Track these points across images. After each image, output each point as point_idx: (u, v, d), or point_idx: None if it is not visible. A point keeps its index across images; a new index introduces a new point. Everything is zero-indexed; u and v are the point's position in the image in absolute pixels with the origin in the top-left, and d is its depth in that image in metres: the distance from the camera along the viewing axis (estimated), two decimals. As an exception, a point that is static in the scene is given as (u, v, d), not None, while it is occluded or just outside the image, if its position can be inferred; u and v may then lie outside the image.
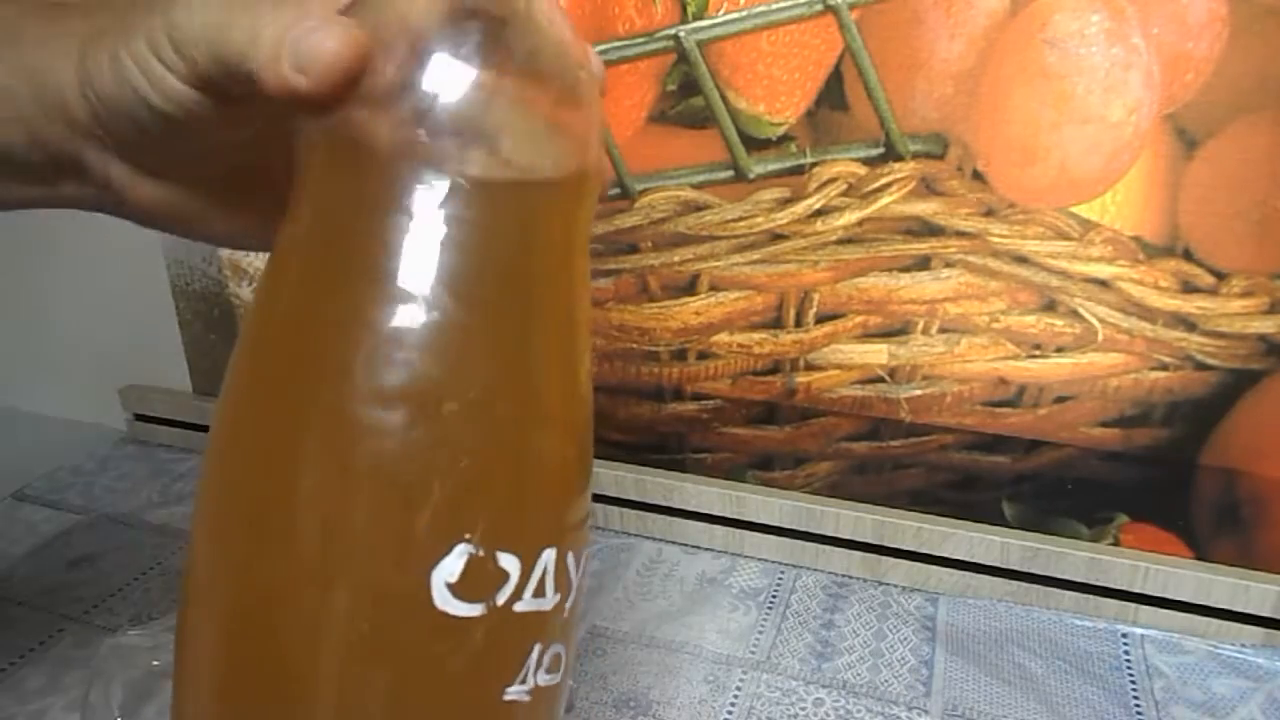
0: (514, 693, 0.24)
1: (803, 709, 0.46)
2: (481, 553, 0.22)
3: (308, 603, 0.22)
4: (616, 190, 0.53)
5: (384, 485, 0.22)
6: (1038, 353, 0.49)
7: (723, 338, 0.55)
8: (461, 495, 0.22)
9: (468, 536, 0.22)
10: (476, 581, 0.22)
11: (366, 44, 0.22)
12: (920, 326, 0.51)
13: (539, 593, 0.23)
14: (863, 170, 0.48)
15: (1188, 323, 0.46)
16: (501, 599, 0.23)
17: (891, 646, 0.50)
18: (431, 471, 0.22)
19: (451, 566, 0.22)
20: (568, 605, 0.25)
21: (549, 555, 0.24)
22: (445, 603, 0.22)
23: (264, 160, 0.28)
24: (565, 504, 0.25)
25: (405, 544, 0.22)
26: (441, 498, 0.22)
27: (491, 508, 0.23)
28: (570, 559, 0.24)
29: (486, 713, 0.24)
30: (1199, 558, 0.50)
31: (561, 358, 0.25)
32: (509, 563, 0.23)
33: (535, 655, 0.24)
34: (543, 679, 0.24)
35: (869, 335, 0.52)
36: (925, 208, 0.48)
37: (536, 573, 0.23)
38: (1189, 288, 0.46)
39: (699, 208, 0.52)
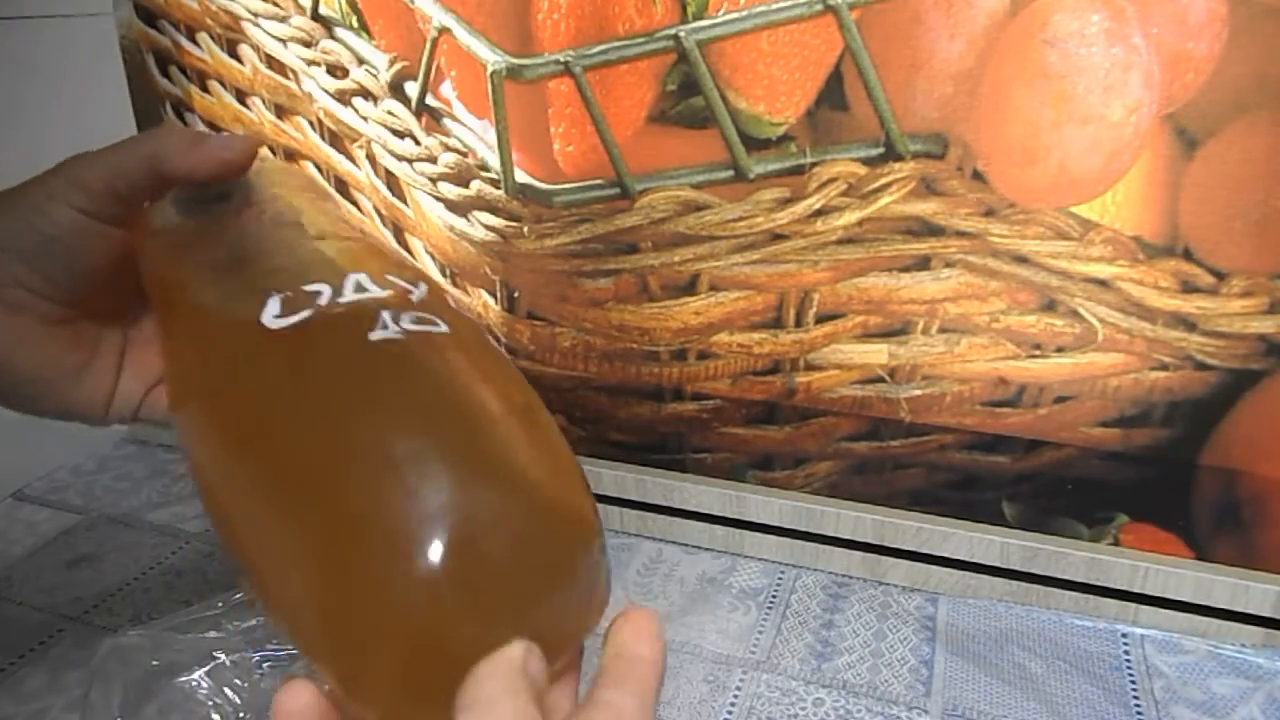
0: (378, 335, 0.27)
1: (803, 709, 0.46)
2: None
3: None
4: (616, 190, 0.53)
5: None
6: (1038, 353, 0.49)
7: (723, 338, 0.55)
8: None
9: None
10: None
11: (252, 142, 0.33)
12: (920, 326, 0.51)
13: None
14: (863, 170, 0.48)
15: (1188, 323, 0.46)
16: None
17: (891, 646, 0.50)
18: None
19: None
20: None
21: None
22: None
23: (98, 297, 0.34)
24: None
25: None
26: None
27: None
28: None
29: (361, 358, 0.27)
30: (1199, 558, 0.50)
31: None
32: None
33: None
34: (409, 324, 0.27)
35: (869, 335, 0.52)
36: (925, 208, 0.48)
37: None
38: (1189, 288, 0.46)
39: (699, 208, 0.52)
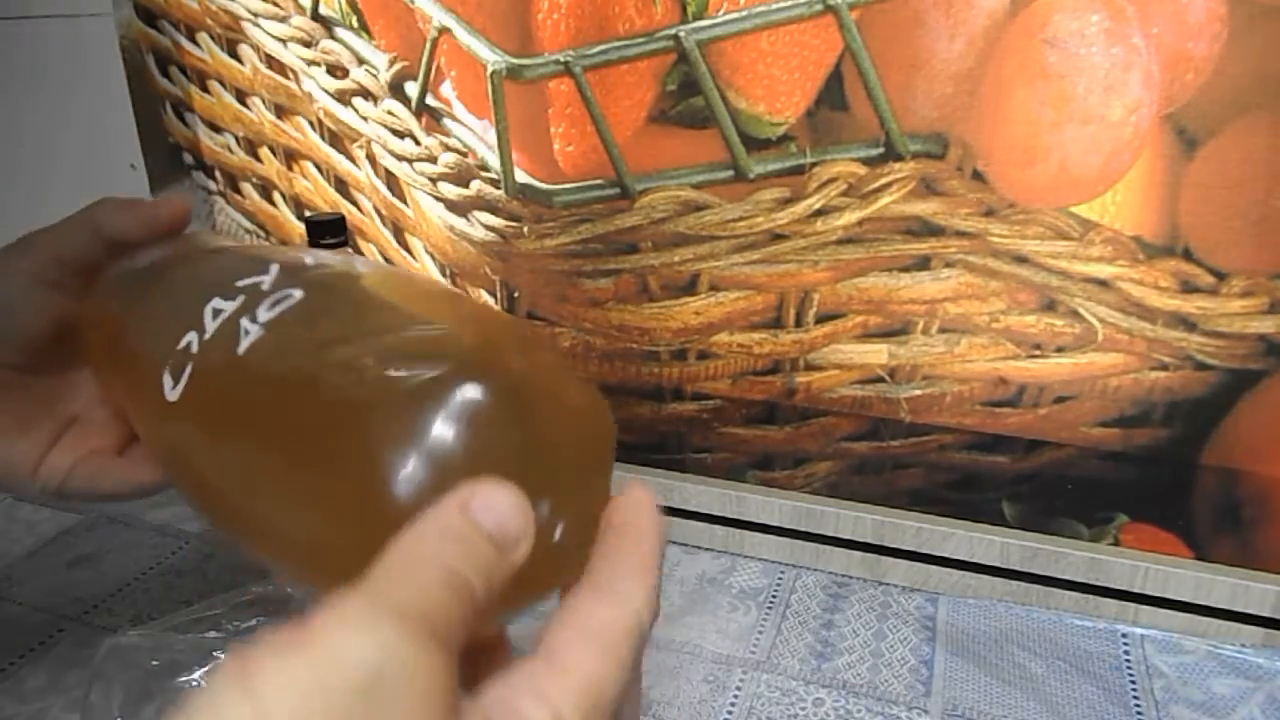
0: (243, 346, 0.27)
1: (803, 709, 0.46)
2: None
3: None
4: (616, 190, 0.53)
5: None
6: (1038, 353, 0.49)
7: (723, 338, 0.55)
8: None
9: None
10: None
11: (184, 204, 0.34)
12: (920, 326, 0.51)
13: None
14: (863, 170, 0.48)
15: (1188, 323, 0.46)
16: None
17: (891, 646, 0.50)
18: None
19: None
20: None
21: None
22: None
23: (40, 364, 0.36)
24: None
25: None
26: None
27: None
28: None
29: (239, 377, 0.27)
30: (1199, 558, 0.50)
31: None
32: None
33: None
34: (265, 315, 0.27)
35: (869, 335, 0.52)
36: (925, 208, 0.48)
37: None
38: (1189, 288, 0.46)
39: (699, 208, 0.52)
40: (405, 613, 0.18)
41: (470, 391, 0.23)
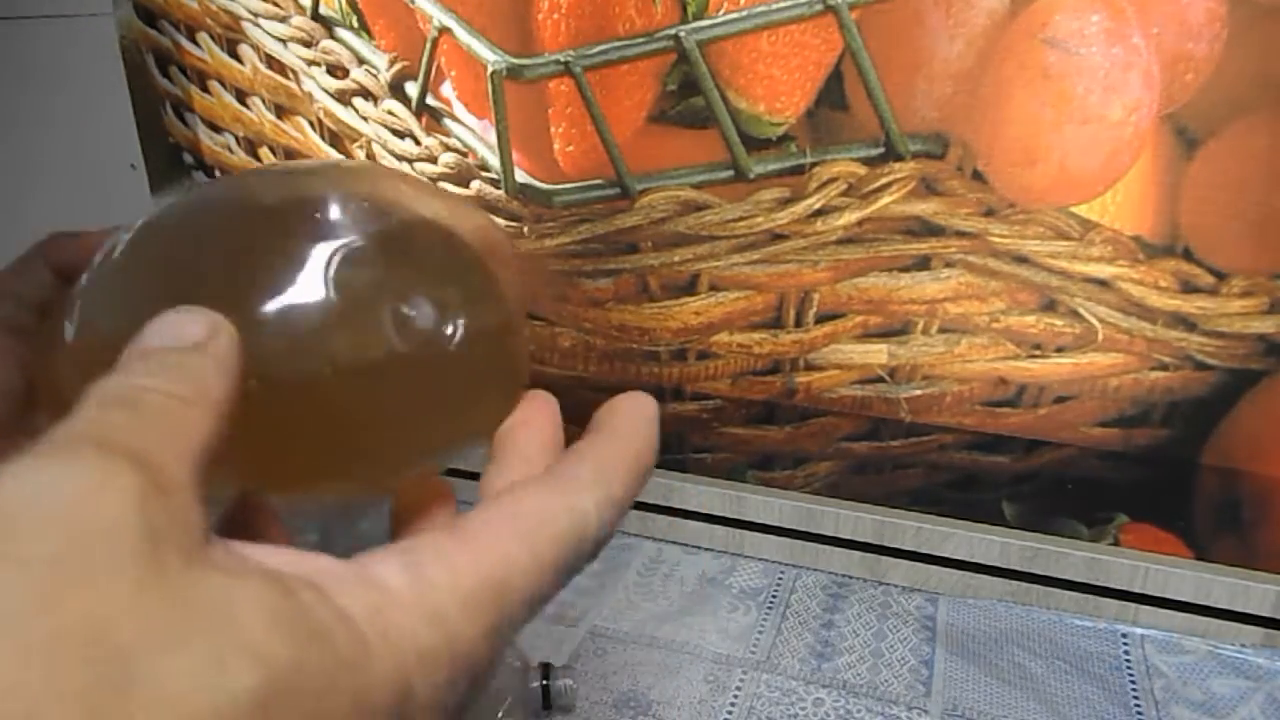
0: None
1: (803, 709, 0.46)
2: None
3: None
4: (616, 190, 0.53)
5: None
6: (1038, 353, 0.49)
7: (723, 338, 0.55)
8: None
9: None
10: None
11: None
12: (920, 326, 0.51)
13: None
14: (863, 170, 0.48)
15: (1188, 323, 0.46)
16: None
17: (891, 646, 0.50)
18: None
19: None
20: None
21: None
22: None
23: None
24: None
25: None
26: None
27: None
28: None
29: None
30: (1199, 558, 0.50)
31: None
32: None
33: None
34: None
35: (869, 335, 0.52)
36: (925, 208, 0.48)
37: None
38: (1189, 288, 0.46)
39: (699, 208, 0.52)
40: (74, 438, 0.16)
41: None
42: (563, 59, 0.51)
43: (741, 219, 0.51)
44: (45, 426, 0.31)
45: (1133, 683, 0.47)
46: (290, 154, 0.63)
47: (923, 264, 0.49)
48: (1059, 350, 0.49)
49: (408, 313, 0.22)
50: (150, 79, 0.66)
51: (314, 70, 0.60)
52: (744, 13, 0.47)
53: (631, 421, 0.22)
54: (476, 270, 0.26)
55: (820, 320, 0.52)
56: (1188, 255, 0.45)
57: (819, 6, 0.46)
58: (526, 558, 0.18)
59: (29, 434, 0.34)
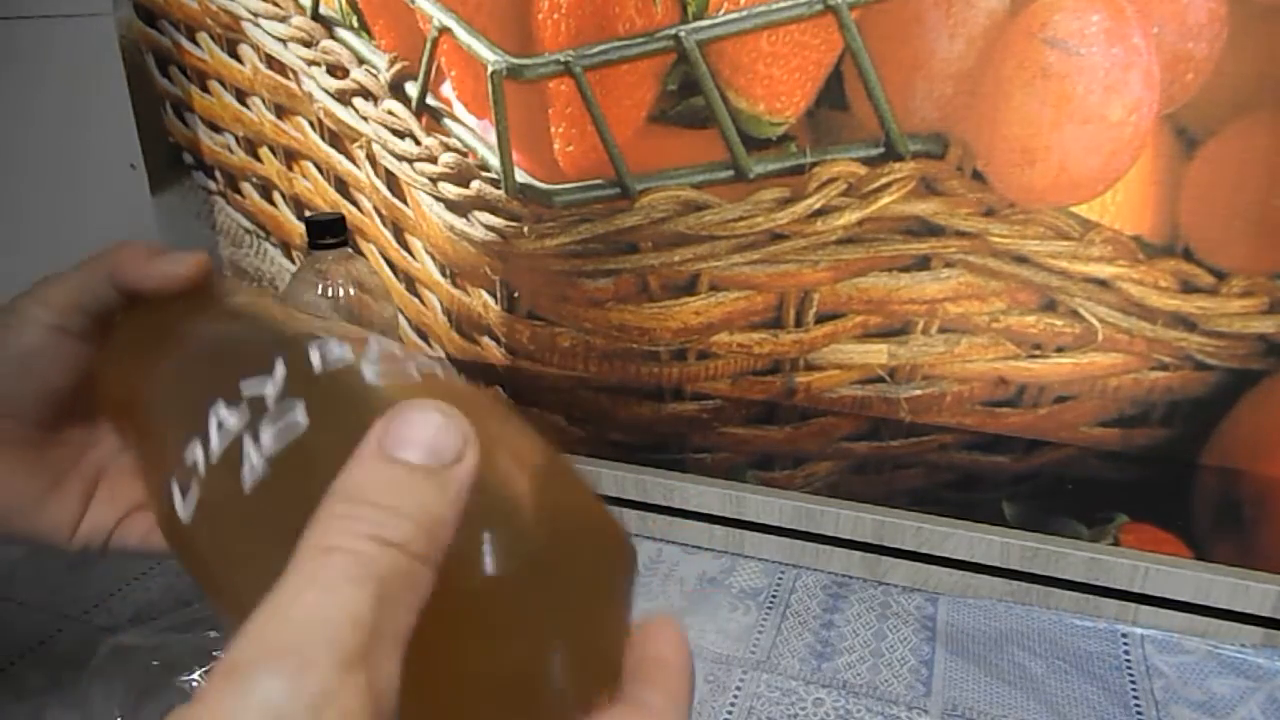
0: (248, 482, 0.24)
1: (803, 709, 0.46)
2: None
3: None
4: (616, 190, 0.53)
5: None
6: (1038, 353, 0.49)
7: (723, 338, 0.55)
8: None
9: None
10: None
11: (206, 260, 0.32)
12: (920, 326, 0.51)
13: None
14: (863, 170, 0.48)
15: (1188, 323, 0.46)
16: None
17: (891, 646, 0.50)
18: None
19: None
20: None
21: None
22: None
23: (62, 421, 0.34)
24: None
25: None
26: None
27: None
28: None
29: (244, 515, 0.25)
30: (1199, 558, 0.50)
31: None
32: None
33: None
34: (270, 445, 0.25)
35: (869, 335, 0.52)
36: (925, 208, 0.48)
37: None
38: (1189, 288, 0.46)
39: (699, 208, 0.52)
40: (302, 647, 0.17)
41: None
42: (563, 59, 0.51)
43: (741, 219, 0.51)
44: (102, 431, 0.32)
45: (1133, 683, 0.47)
46: (290, 154, 0.64)
47: (923, 264, 0.49)
48: (1059, 350, 0.49)
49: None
50: (150, 79, 0.66)
51: (314, 70, 0.60)
52: (744, 13, 0.47)
53: (681, 654, 0.24)
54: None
55: (820, 320, 0.52)
56: (1188, 255, 0.45)
57: (819, 6, 0.46)
58: None
59: (59, 440, 0.34)
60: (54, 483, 0.33)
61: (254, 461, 0.24)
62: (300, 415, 0.24)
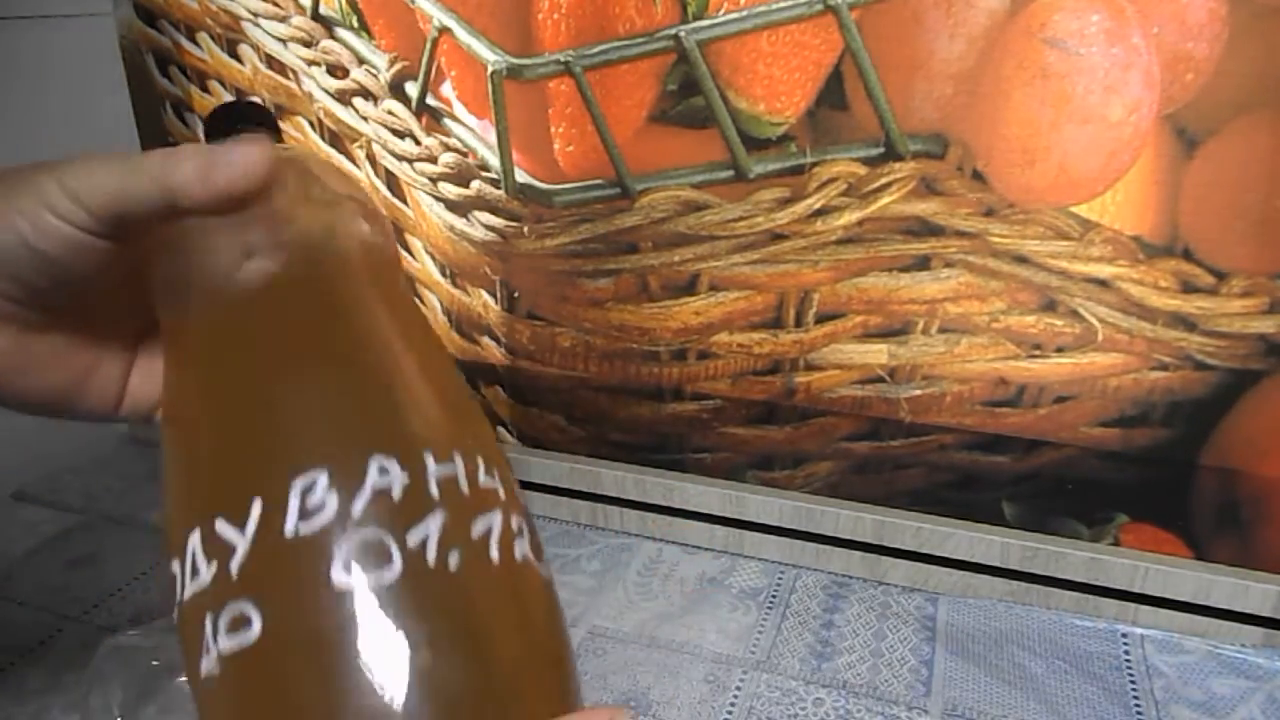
0: (203, 668, 0.22)
1: (803, 709, 0.46)
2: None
3: None
4: (616, 190, 0.53)
5: None
6: (1038, 353, 0.49)
7: (723, 338, 0.55)
8: None
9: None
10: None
11: (272, 158, 0.28)
12: (920, 326, 0.51)
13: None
14: (863, 170, 0.48)
15: (1188, 323, 0.46)
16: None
17: (891, 646, 0.50)
18: None
19: None
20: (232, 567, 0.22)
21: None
22: None
23: (106, 314, 0.32)
24: None
25: None
26: None
27: None
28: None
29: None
30: (1199, 558, 0.50)
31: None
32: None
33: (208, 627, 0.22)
34: (225, 645, 0.21)
35: (869, 335, 0.52)
36: (925, 208, 0.48)
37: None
38: (1189, 288, 0.46)
39: (699, 208, 0.52)
40: None
41: None
42: (563, 59, 0.51)
43: (741, 219, 0.51)
44: (131, 307, 0.31)
45: (1133, 683, 0.47)
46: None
47: (923, 264, 0.49)
48: (1059, 350, 0.49)
49: None
50: (150, 79, 0.66)
51: (314, 70, 0.60)
52: (744, 13, 0.47)
53: None
54: None
55: (820, 320, 0.52)
56: (1188, 255, 0.45)
57: (819, 6, 0.46)
58: None
59: (91, 324, 0.32)
60: (89, 365, 0.32)
61: (210, 659, 0.21)
62: (254, 620, 0.21)
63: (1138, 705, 0.46)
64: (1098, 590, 0.51)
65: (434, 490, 0.23)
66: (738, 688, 0.47)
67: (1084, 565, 0.51)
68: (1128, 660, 0.49)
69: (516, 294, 0.59)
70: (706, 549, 0.59)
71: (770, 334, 0.54)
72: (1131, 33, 0.42)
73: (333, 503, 0.22)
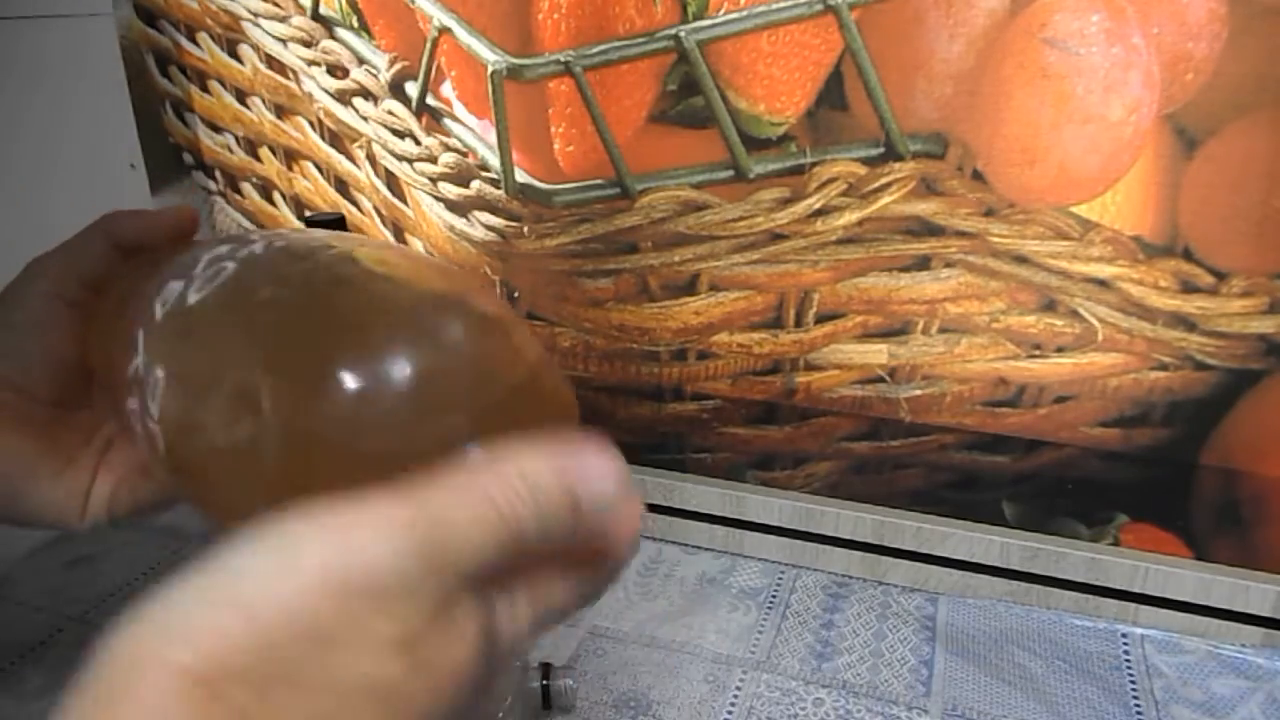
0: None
1: (803, 709, 0.46)
2: None
3: None
4: (616, 190, 0.53)
5: None
6: (1038, 353, 0.49)
7: (723, 338, 0.55)
8: None
9: None
10: None
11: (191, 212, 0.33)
12: (920, 326, 0.51)
13: None
14: (863, 170, 0.48)
15: (1188, 323, 0.46)
16: None
17: (891, 646, 0.50)
18: None
19: None
20: None
21: None
22: None
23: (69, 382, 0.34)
24: None
25: None
26: None
27: None
28: None
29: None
30: (1199, 558, 0.50)
31: None
32: None
33: None
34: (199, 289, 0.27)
35: (869, 335, 0.52)
36: (925, 208, 0.48)
37: None
38: (1189, 288, 0.46)
39: (699, 208, 0.52)
40: (427, 538, 0.20)
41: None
42: (563, 59, 0.51)
43: (741, 219, 0.51)
44: (93, 394, 0.33)
45: (1133, 683, 0.47)
46: (290, 154, 0.64)
47: (923, 264, 0.49)
48: (1059, 350, 0.49)
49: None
50: (150, 79, 0.66)
51: (314, 70, 0.60)
52: (744, 13, 0.47)
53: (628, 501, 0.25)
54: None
55: (820, 320, 0.52)
56: (1188, 255, 0.45)
57: (819, 6, 0.46)
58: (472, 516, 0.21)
59: (71, 419, 0.34)
60: (67, 460, 0.33)
61: (190, 300, 0.26)
62: (230, 265, 0.26)
63: (1138, 705, 0.46)
64: (1098, 590, 0.51)
65: None
66: (738, 688, 0.47)
67: (1084, 565, 0.51)
68: (1128, 660, 0.49)
69: (516, 294, 0.59)
70: (706, 549, 0.59)
71: (770, 334, 0.54)
72: (1131, 33, 0.42)
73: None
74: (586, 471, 0.23)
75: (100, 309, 0.33)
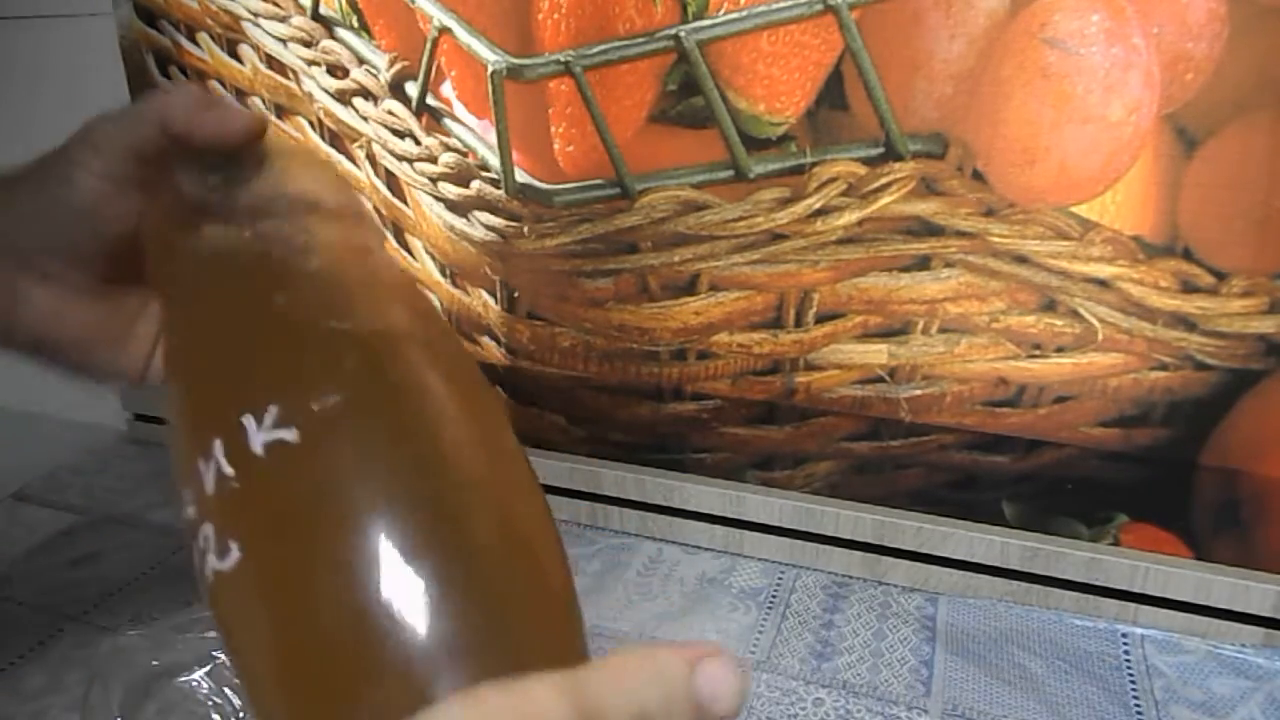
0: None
1: (803, 709, 0.46)
2: None
3: None
4: (616, 190, 0.53)
5: None
6: (1038, 353, 0.49)
7: (723, 338, 0.55)
8: None
9: None
10: None
11: (259, 119, 0.31)
12: (920, 326, 0.51)
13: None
14: (863, 170, 0.48)
15: (1188, 323, 0.46)
16: None
17: (891, 646, 0.50)
18: None
19: None
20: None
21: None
22: None
23: (120, 252, 0.33)
24: None
25: None
26: None
27: None
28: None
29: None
30: (1199, 558, 0.50)
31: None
32: None
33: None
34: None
35: (869, 335, 0.52)
36: (925, 208, 0.48)
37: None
38: (1189, 288, 0.46)
39: (699, 207, 0.52)
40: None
41: None
42: (563, 59, 0.51)
43: (741, 219, 0.51)
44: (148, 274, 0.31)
45: (1133, 683, 0.47)
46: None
47: (923, 264, 0.49)
48: (1059, 350, 0.49)
49: None
50: (150, 79, 0.66)
51: (314, 70, 0.60)
52: (744, 13, 0.47)
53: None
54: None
55: (820, 320, 0.52)
56: (1188, 255, 0.45)
57: (819, 6, 0.46)
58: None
59: (129, 290, 0.34)
60: (128, 325, 0.34)
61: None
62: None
63: (1137, 705, 0.46)
64: (1098, 590, 0.51)
65: None
66: (738, 688, 0.47)
67: (1084, 565, 0.51)
68: (1128, 660, 0.49)
69: (516, 294, 0.59)
70: (706, 549, 0.59)
71: (770, 334, 0.54)
72: (1131, 33, 0.42)
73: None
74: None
75: (152, 184, 0.31)
